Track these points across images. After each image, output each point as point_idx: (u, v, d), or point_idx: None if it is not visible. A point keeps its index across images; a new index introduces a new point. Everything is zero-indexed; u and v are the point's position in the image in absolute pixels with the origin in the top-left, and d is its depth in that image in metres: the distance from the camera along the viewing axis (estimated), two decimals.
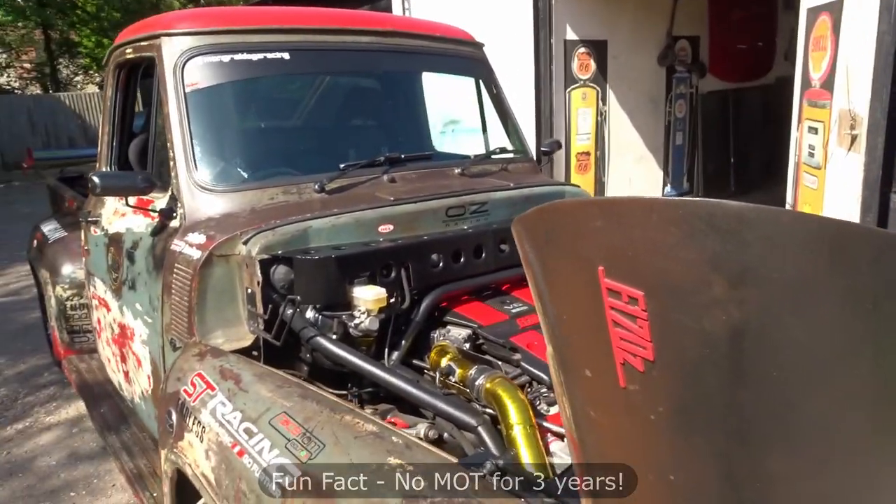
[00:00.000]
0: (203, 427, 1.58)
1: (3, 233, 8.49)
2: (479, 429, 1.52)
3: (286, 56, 2.25)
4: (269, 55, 2.22)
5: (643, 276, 0.70)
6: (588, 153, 7.51)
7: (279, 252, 1.84)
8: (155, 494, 2.28)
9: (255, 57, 2.21)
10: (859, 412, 0.73)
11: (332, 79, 2.65)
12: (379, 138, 2.75)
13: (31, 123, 17.58)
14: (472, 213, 2.22)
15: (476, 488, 1.17)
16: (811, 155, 4.11)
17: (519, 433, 1.52)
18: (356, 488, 1.21)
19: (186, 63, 2.14)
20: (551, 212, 0.76)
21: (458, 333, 2.00)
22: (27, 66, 24.34)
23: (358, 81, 2.74)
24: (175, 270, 1.96)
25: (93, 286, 2.74)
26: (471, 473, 1.23)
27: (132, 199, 2.32)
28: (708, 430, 0.73)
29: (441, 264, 2.03)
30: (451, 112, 5.62)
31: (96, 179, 1.97)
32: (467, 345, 1.96)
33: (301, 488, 1.26)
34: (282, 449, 1.36)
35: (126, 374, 2.48)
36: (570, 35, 6.90)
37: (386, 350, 1.95)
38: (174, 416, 1.72)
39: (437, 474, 1.22)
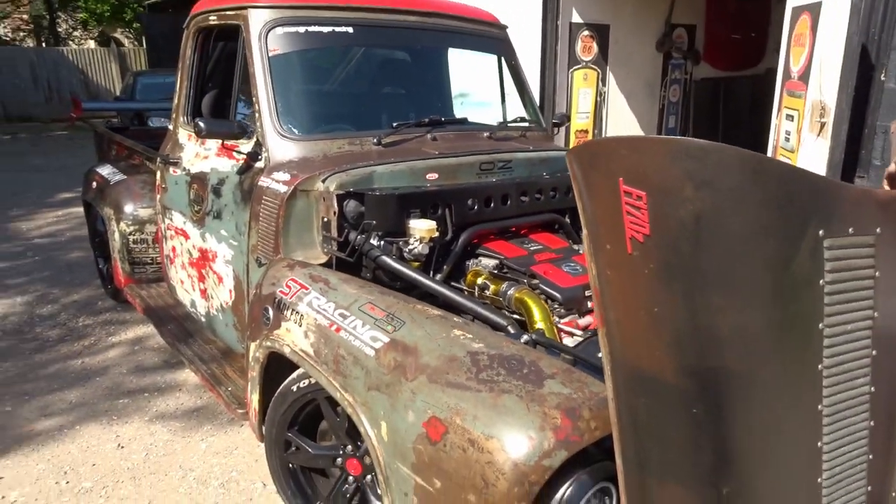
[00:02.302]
0: (301, 315, 2.07)
1: (24, 182, 8.85)
2: (508, 327, 2.03)
3: (350, 30, 2.71)
4: (337, 28, 2.68)
5: (646, 183, 1.19)
6: (586, 131, 7.97)
7: (351, 189, 2.33)
8: (230, 389, 2.77)
9: (325, 29, 2.66)
10: (766, 273, 1.24)
11: (383, 52, 3.11)
12: (418, 104, 3.22)
13: (34, 77, 17.73)
14: (499, 168, 2.72)
15: (518, 348, 1.68)
16: (787, 139, 4.63)
17: (541, 327, 2.03)
18: (433, 347, 1.71)
19: (269, 32, 2.59)
20: (593, 145, 1.26)
21: (488, 262, 2.51)
22: (24, 17, 24.27)
23: (403, 55, 3.20)
24: (263, 201, 2.43)
25: (168, 219, 3.20)
26: (514, 341, 1.74)
27: (215, 144, 2.79)
28: (679, 277, 1.24)
29: (475, 207, 2.52)
30: (462, 86, 6.07)
31: (202, 124, 2.43)
32: (495, 271, 2.47)
33: (391, 348, 1.76)
34: (371, 325, 1.86)
35: (204, 291, 2.97)
36: (576, 18, 7.35)
37: (431, 273, 2.45)
38: (271, 312, 2.21)
39: (490, 339, 1.73)
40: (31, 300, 4.49)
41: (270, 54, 2.57)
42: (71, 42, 24.17)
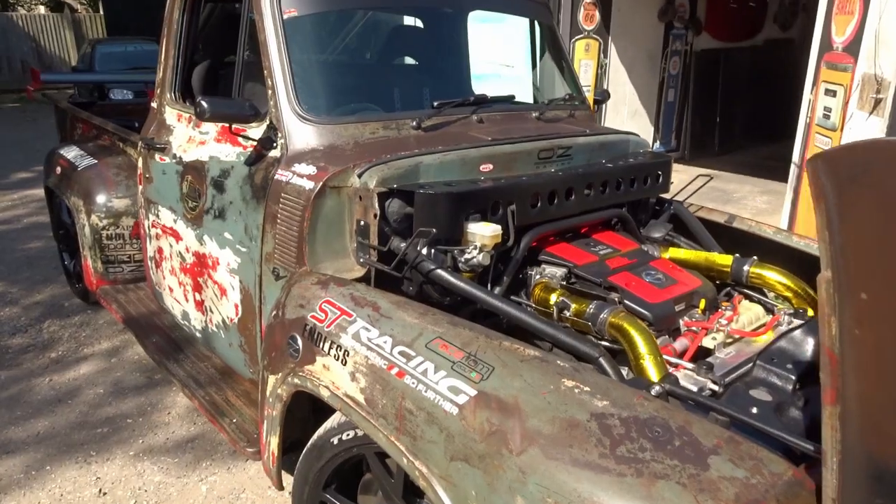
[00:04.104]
0: (345, 351, 1.63)
1: None
2: (601, 360, 1.61)
3: None
4: None
5: None
6: None
7: (395, 185, 1.87)
8: (235, 421, 2.32)
9: None
10: None
11: (413, 18, 2.63)
12: (451, 79, 2.75)
13: None
14: (558, 156, 2.28)
15: (656, 407, 1.27)
16: (826, 117, 4.27)
17: (650, 363, 1.63)
18: (541, 405, 1.29)
19: None
20: (862, 150, 0.84)
21: (555, 272, 2.09)
22: None
23: (434, 22, 2.72)
24: (282, 200, 1.96)
25: (153, 215, 2.70)
26: (646, 393, 1.33)
27: (213, 127, 2.31)
28: None
29: (538, 204, 2.09)
30: None
31: (205, 104, 1.94)
32: (564, 283, 2.05)
33: (482, 405, 1.34)
34: (448, 371, 1.43)
35: (200, 303, 2.49)
36: None
37: (489, 286, 2.02)
38: (300, 341, 1.76)
39: (614, 393, 1.31)
40: None
41: (285, 16, 2.08)
42: (20, 7, 22.72)
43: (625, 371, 1.73)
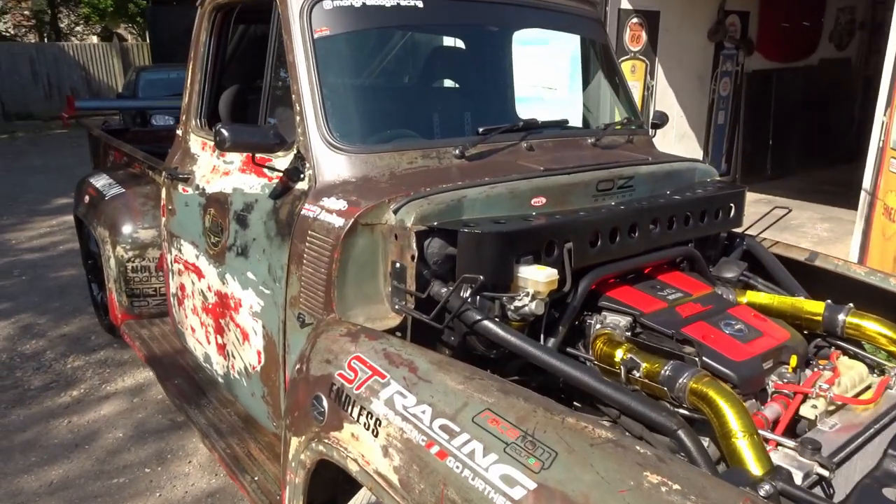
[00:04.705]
0: (377, 420, 1.39)
1: (21, 185, 8.20)
2: (679, 433, 1.35)
3: (420, 4, 2.02)
4: (403, 2, 2.00)
5: None
6: None
7: (434, 223, 1.64)
8: (257, 479, 2.11)
9: (389, 3, 1.98)
10: None
11: (454, 38, 2.42)
12: (496, 102, 2.53)
13: (33, 73, 17.11)
14: (619, 187, 2.03)
15: None
16: None
17: (745, 446, 1.34)
18: None
19: (314, 6, 1.91)
20: None
21: (618, 321, 1.82)
22: (26, 13, 23.63)
23: (477, 42, 2.51)
24: (309, 238, 1.75)
25: (176, 249, 2.52)
26: (753, 494, 1.06)
27: (238, 157, 2.13)
28: None
29: (599, 243, 1.83)
30: None
31: (226, 132, 1.75)
32: (627, 333, 1.79)
33: (542, 502, 1.08)
34: (500, 454, 1.18)
35: (221, 346, 2.29)
36: (625, 4, 6.66)
37: (542, 337, 1.76)
38: (325, 403, 1.53)
39: (711, 494, 1.04)
40: (14, 333, 3.82)
41: (316, 36, 1.89)
42: (73, 38, 23.55)
43: (705, 442, 1.46)
